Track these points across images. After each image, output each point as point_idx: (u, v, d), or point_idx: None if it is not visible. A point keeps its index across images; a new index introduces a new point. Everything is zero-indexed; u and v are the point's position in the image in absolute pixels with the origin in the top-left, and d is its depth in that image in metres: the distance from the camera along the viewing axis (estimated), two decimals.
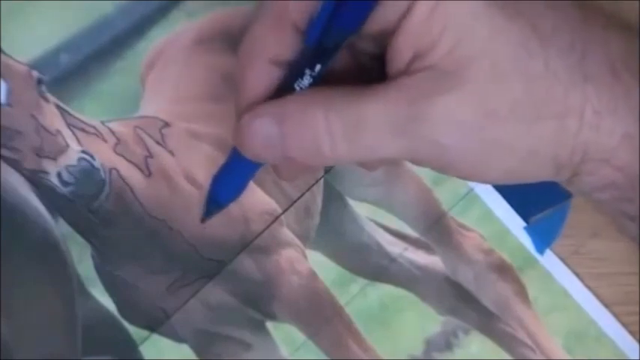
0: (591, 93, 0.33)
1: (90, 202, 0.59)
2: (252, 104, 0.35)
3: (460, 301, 0.66)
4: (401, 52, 0.34)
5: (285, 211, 0.64)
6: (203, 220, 0.38)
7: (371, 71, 0.36)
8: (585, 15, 0.34)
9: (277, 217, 0.63)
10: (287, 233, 0.63)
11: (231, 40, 0.67)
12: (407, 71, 0.34)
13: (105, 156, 0.60)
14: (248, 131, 0.35)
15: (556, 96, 0.33)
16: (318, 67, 0.35)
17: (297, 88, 0.35)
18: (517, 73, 0.33)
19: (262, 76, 0.35)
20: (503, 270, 0.65)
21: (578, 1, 0.35)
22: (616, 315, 0.63)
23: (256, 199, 0.63)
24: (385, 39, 0.35)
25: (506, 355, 0.64)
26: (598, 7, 0.35)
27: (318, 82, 0.35)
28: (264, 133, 0.34)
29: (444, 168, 0.35)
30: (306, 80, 0.35)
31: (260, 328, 0.64)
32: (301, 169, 0.37)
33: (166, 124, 0.63)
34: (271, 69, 0.35)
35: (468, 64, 0.33)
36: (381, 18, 0.34)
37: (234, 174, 0.37)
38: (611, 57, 0.34)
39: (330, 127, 0.34)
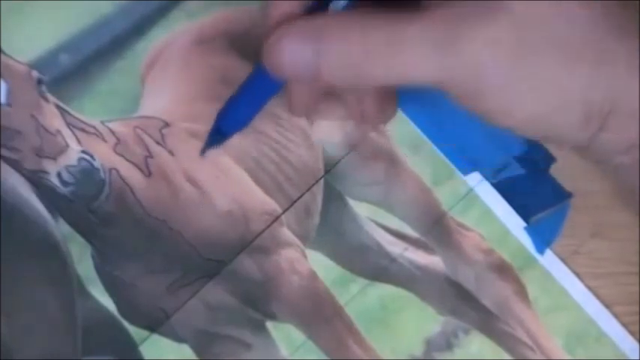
0: (632, 44, 0.33)
1: (90, 202, 0.59)
2: (283, 23, 0.34)
3: (460, 300, 0.66)
4: None
5: (285, 211, 0.64)
6: (203, 151, 0.37)
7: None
8: None
9: (277, 217, 0.63)
10: (287, 233, 0.63)
11: (231, 40, 0.67)
12: None
13: (105, 156, 0.60)
14: (280, 48, 0.34)
15: (597, 40, 0.33)
16: None
17: (332, 9, 0.34)
18: (560, 13, 0.33)
19: None
20: (503, 270, 0.65)
21: None
22: (616, 315, 0.63)
23: (256, 199, 0.63)
24: None
25: (506, 355, 0.64)
26: None
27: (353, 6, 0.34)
28: (298, 49, 0.34)
29: (474, 96, 0.34)
30: (342, 2, 0.34)
31: (260, 328, 0.64)
32: (316, 101, 0.37)
33: (166, 124, 0.63)
34: None
35: None
36: None
37: (245, 102, 0.36)
38: None
39: (368, 44, 0.33)
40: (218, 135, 0.38)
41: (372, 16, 0.34)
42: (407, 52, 0.34)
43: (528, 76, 0.34)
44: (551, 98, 0.34)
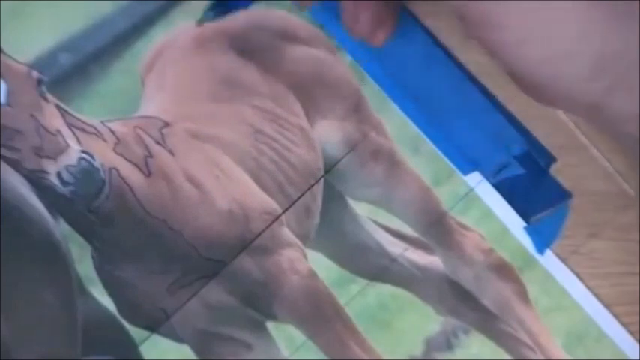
0: None
1: (90, 202, 0.59)
2: None
3: (460, 301, 0.66)
4: None
5: (285, 211, 0.64)
6: (202, 19, 0.38)
7: None
8: None
9: (277, 217, 0.63)
10: (287, 233, 0.63)
11: (230, 40, 0.67)
12: None
13: (105, 156, 0.60)
14: None
15: None
16: None
17: None
18: None
19: None
20: (503, 270, 0.65)
21: None
22: (616, 315, 0.63)
23: (256, 199, 0.63)
24: None
25: (506, 355, 0.64)
26: None
27: None
28: None
29: (491, 25, 0.34)
30: None
31: (260, 328, 0.64)
32: None
33: (166, 124, 0.63)
34: None
35: None
36: None
37: None
38: None
39: None
40: (221, 5, 0.37)
41: None
42: None
43: (550, 14, 0.33)
44: (568, 40, 0.34)
